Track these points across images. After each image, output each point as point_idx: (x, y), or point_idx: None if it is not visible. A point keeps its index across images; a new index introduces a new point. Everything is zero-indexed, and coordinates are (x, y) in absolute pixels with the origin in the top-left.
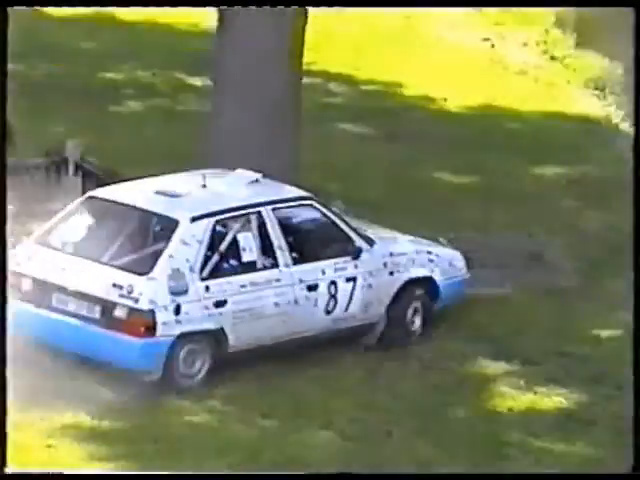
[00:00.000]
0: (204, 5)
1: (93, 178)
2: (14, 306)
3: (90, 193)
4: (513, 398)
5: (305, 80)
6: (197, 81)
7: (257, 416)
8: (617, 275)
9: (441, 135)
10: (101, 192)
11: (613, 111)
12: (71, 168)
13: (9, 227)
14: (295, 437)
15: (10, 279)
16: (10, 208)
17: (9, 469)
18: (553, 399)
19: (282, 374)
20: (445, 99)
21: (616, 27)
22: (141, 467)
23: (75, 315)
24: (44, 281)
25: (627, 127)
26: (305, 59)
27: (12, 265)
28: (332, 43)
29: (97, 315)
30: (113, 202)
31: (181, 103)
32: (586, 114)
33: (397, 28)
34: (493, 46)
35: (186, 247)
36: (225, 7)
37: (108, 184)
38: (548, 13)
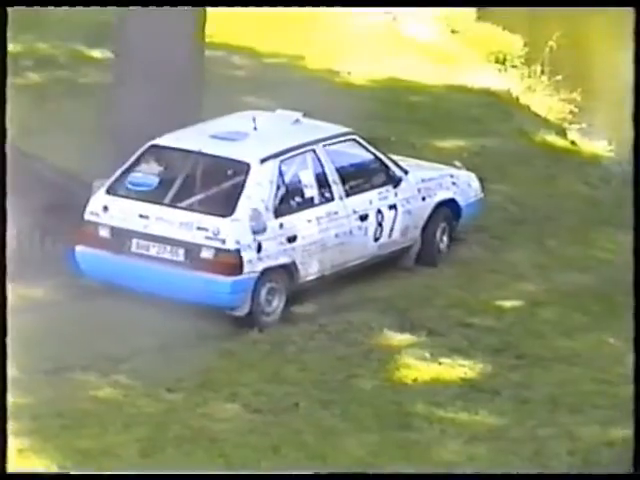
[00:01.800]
0: (204, 5)
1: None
2: (90, 254)
3: (152, 142)
4: (418, 369)
5: (207, 53)
6: (97, 53)
7: None
8: (518, 246)
9: (344, 108)
10: (163, 140)
11: (513, 84)
12: None
13: None
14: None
15: (86, 229)
16: None
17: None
18: (457, 369)
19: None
20: (349, 72)
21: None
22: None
23: (157, 259)
24: (123, 228)
25: (527, 100)
26: (207, 31)
27: (87, 215)
28: (234, 16)
29: (181, 257)
30: (177, 149)
31: (82, 75)
32: (487, 87)
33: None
34: (395, 19)
35: (260, 188)
36: None
37: (12, 156)
38: None
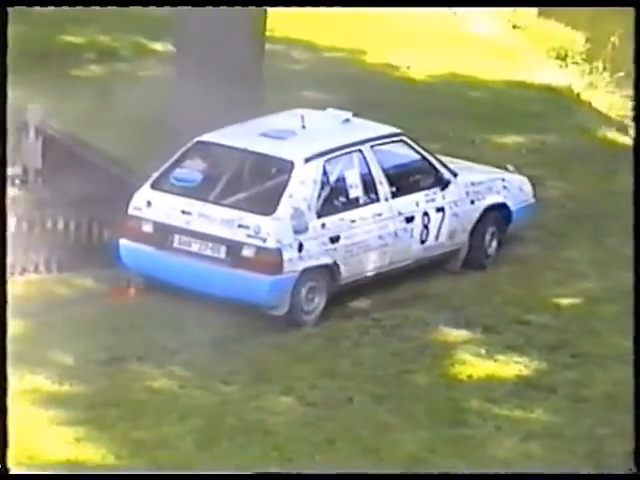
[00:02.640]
0: (203, 5)
1: (54, 142)
2: (133, 249)
3: (198, 138)
4: (473, 365)
5: (267, 47)
6: (159, 46)
7: None
8: (576, 244)
9: (404, 102)
10: (209, 136)
11: (574, 81)
12: (32, 132)
13: None
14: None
15: (129, 223)
16: None
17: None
18: (513, 367)
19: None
20: (408, 67)
21: None
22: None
23: (198, 255)
24: (165, 224)
25: (588, 96)
26: (267, 25)
27: (131, 210)
28: (293, 11)
29: (222, 255)
30: (223, 146)
31: (143, 68)
32: (548, 83)
33: None
34: (455, 13)
35: (303, 187)
36: None
37: (69, 148)
38: None
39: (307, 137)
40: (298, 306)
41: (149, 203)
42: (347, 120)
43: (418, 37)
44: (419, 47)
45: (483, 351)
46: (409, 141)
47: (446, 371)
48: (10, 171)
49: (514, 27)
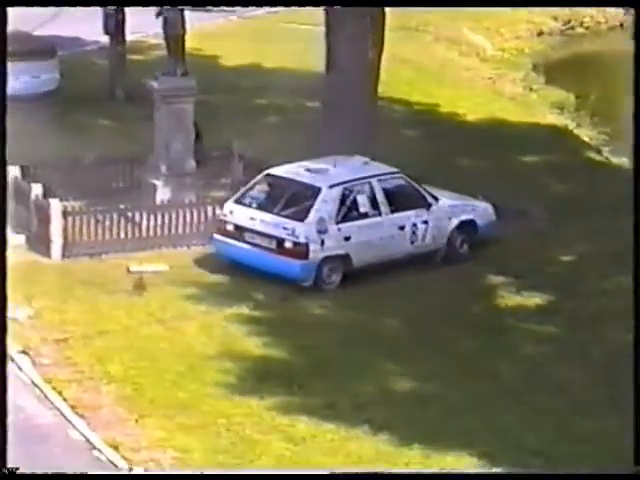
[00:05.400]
0: (203, 5)
1: (249, 164)
2: (221, 241)
3: (266, 171)
4: (509, 299)
5: (379, 103)
6: (313, 104)
7: None
8: (573, 222)
9: (462, 135)
10: (272, 170)
11: (569, 122)
12: (236, 158)
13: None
14: None
15: (219, 224)
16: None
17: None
18: (532, 299)
19: None
20: (465, 114)
21: (575, 69)
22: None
23: (260, 246)
24: (240, 225)
25: (577, 132)
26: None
27: (221, 216)
28: (393, 80)
29: (274, 246)
30: (280, 177)
31: (302, 117)
32: (553, 124)
33: (436, 70)
34: (494, 82)
35: (326, 204)
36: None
37: (260, 169)
38: (528, 62)
39: (335, 172)
40: (321, 280)
41: (231, 212)
42: (366, 163)
43: (471, 96)
44: (471, 102)
45: (514, 289)
46: (405, 177)
47: (493, 302)
48: (223, 181)
49: (530, 90)
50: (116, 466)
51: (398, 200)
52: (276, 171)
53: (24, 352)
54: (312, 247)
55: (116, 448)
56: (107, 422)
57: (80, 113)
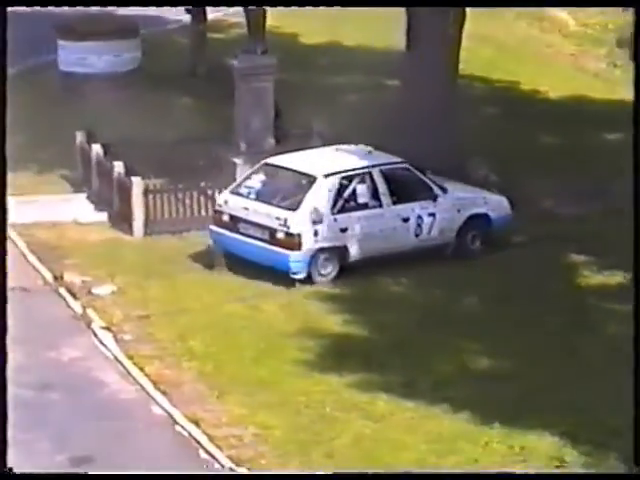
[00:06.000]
0: (203, 5)
1: (328, 142)
2: (217, 232)
3: (264, 160)
4: (587, 277)
5: (459, 81)
6: (393, 82)
7: None
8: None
9: (544, 113)
10: (271, 160)
11: None
12: (315, 136)
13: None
14: None
15: (215, 215)
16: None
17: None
18: (613, 278)
19: None
20: (547, 91)
21: None
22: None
23: (253, 237)
24: (235, 216)
25: None
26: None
27: (217, 206)
28: (473, 58)
29: (267, 237)
30: (277, 166)
31: (380, 95)
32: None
33: (517, 47)
34: (576, 59)
35: (321, 193)
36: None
37: (336, 144)
38: (612, 37)
39: (333, 162)
40: (316, 271)
41: (226, 202)
42: (370, 152)
43: (554, 73)
44: (554, 79)
45: (595, 268)
46: (410, 167)
47: (574, 281)
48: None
49: (614, 66)
50: (199, 442)
51: (402, 191)
52: (274, 160)
53: (107, 328)
54: (305, 238)
55: (197, 424)
56: (188, 398)
57: (161, 91)
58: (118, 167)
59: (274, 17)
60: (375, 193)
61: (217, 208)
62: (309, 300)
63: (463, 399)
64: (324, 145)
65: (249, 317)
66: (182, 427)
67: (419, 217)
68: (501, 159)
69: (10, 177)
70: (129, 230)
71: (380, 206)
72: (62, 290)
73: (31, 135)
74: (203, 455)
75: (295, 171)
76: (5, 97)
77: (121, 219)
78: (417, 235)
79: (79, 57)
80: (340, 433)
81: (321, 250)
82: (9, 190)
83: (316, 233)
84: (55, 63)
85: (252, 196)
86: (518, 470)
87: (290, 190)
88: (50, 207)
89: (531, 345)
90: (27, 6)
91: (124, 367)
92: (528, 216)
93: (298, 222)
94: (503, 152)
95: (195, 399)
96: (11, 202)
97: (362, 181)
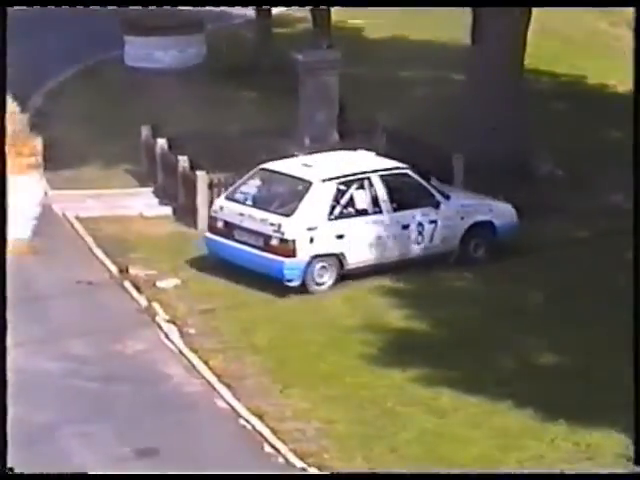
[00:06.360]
0: (203, 5)
1: (393, 137)
2: (212, 239)
3: (260, 166)
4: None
5: (525, 75)
6: (459, 76)
7: None
8: None
9: (611, 107)
10: (267, 165)
11: None
12: (379, 130)
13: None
14: None
15: (210, 221)
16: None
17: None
18: None
19: None
20: (615, 86)
21: None
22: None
23: (248, 244)
24: (230, 222)
25: None
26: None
27: (212, 212)
28: (538, 52)
29: (261, 243)
30: (273, 171)
31: (445, 90)
32: None
33: (584, 41)
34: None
35: (318, 199)
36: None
37: (400, 139)
38: None
39: (331, 167)
40: (311, 279)
41: (221, 208)
42: (370, 157)
43: (622, 69)
44: (621, 74)
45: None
46: (411, 173)
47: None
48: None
49: None
50: (262, 435)
51: (402, 197)
52: (270, 166)
53: (172, 322)
54: (299, 245)
55: (261, 417)
56: (252, 392)
57: (226, 86)
58: (183, 161)
59: (339, 12)
60: (374, 199)
61: (212, 214)
62: (372, 294)
63: (527, 395)
64: (388, 140)
65: (311, 311)
66: (246, 420)
67: (420, 224)
68: (568, 154)
69: (76, 172)
70: (193, 224)
71: (379, 212)
72: (127, 283)
73: (97, 130)
74: (267, 449)
75: (291, 176)
76: (5, 97)
77: (185, 213)
78: (418, 243)
79: (146, 52)
80: (403, 428)
81: (317, 257)
82: (76, 184)
83: (312, 240)
84: (121, 58)
85: (248, 202)
86: (583, 469)
87: (286, 196)
88: (116, 201)
89: (596, 341)
90: (27, 6)
91: (189, 360)
92: (596, 211)
93: (293, 228)
94: (570, 147)
95: (259, 393)
96: (78, 196)
97: (361, 187)
